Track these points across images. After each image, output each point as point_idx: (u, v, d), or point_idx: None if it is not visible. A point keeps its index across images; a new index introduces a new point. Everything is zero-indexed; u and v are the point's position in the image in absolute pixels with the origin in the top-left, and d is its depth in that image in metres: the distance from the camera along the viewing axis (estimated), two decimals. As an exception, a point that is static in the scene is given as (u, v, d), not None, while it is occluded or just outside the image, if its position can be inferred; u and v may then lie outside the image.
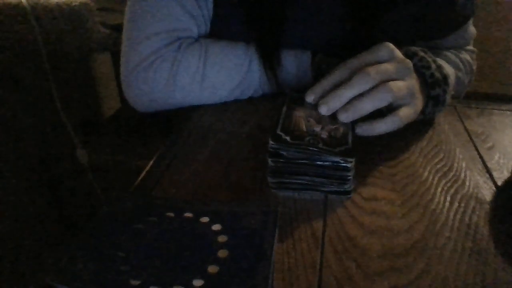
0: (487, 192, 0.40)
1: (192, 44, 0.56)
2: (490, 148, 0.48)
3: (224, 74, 0.56)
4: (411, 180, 0.42)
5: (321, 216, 0.36)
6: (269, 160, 0.38)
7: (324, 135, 0.39)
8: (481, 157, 0.46)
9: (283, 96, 0.48)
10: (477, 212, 0.37)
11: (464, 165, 0.44)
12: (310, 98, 0.45)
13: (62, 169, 0.98)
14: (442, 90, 0.49)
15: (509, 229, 0.36)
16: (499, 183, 0.42)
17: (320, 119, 0.42)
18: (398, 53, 0.46)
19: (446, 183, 0.41)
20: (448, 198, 0.39)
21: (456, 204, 0.38)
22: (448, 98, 0.51)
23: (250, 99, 0.59)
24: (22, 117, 0.89)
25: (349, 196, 0.39)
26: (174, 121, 0.56)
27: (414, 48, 0.51)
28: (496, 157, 0.46)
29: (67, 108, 0.97)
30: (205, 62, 0.55)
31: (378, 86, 0.42)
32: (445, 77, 0.50)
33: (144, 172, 0.42)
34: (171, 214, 0.33)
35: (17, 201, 0.90)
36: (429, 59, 0.50)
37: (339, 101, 0.43)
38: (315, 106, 0.44)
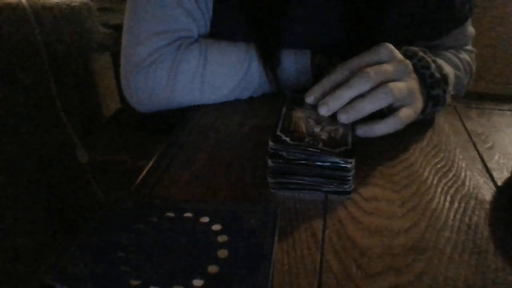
0: (487, 192, 0.40)
1: (192, 44, 0.56)
2: (490, 148, 0.48)
3: (224, 74, 0.56)
4: (411, 180, 0.42)
5: (321, 216, 0.36)
6: (269, 160, 0.38)
7: (324, 135, 0.39)
8: (481, 157, 0.46)
9: (283, 97, 0.48)
10: (477, 212, 0.37)
11: (464, 165, 0.44)
12: (309, 98, 0.45)
13: (62, 169, 0.98)
14: (442, 90, 0.49)
15: (509, 229, 0.36)
16: (499, 183, 0.42)
17: (319, 120, 0.42)
18: (397, 53, 0.46)
19: (446, 183, 0.41)
20: (448, 198, 0.39)
21: (456, 204, 0.38)
22: (448, 98, 0.51)
23: (250, 99, 0.59)
24: (22, 117, 0.89)
25: (349, 196, 0.39)
26: (174, 121, 0.56)
27: (413, 49, 0.51)
28: (496, 157, 0.46)
29: (67, 108, 0.97)
30: (205, 62, 0.55)
31: (378, 87, 0.42)
32: (444, 77, 0.50)
33: (144, 172, 0.42)
34: (171, 214, 0.33)
35: (17, 200, 0.90)
36: (429, 59, 0.50)
37: (339, 102, 0.43)
38: (314, 107, 0.44)
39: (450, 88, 0.51)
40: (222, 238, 0.31)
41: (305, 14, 0.58)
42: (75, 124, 0.99)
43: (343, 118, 0.42)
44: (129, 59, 0.56)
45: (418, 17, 0.60)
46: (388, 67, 0.44)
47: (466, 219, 0.36)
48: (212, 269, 0.28)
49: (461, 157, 0.46)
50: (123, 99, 0.62)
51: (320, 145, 0.38)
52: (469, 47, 0.71)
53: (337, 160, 0.37)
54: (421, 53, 0.50)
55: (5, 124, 0.87)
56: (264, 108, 0.56)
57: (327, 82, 0.45)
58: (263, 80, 0.58)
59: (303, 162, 0.38)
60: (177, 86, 0.55)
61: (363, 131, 0.43)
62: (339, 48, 0.58)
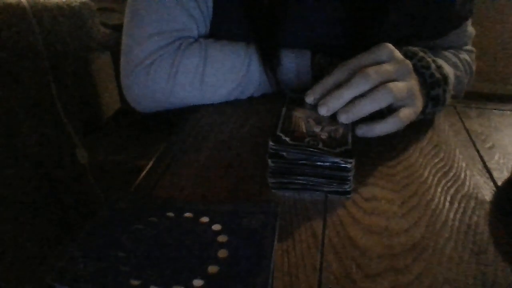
0: (487, 192, 0.40)
1: (192, 44, 0.56)
2: (490, 148, 0.48)
3: (224, 74, 0.56)
4: (411, 180, 0.42)
5: (321, 216, 0.36)
6: (269, 160, 0.38)
7: (324, 135, 0.39)
8: (481, 157, 0.46)
9: (283, 97, 0.48)
10: (477, 212, 0.37)
11: (464, 165, 0.44)
12: (309, 98, 0.45)
13: (62, 169, 0.98)
14: (442, 90, 0.49)
15: (509, 229, 0.36)
16: (499, 183, 0.42)
17: (319, 120, 0.42)
18: (397, 53, 0.46)
19: (446, 183, 0.41)
20: (448, 198, 0.39)
21: (456, 204, 0.38)
22: (448, 98, 0.51)
23: (250, 99, 0.59)
24: (22, 117, 0.89)
25: (349, 196, 0.39)
26: (174, 121, 0.56)
27: (413, 49, 0.51)
28: (496, 157, 0.46)
29: (67, 108, 0.97)
30: (205, 62, 0.55)
31: (378, 87, 0.42)
32: (445, 77, 0.50)
33: (144, 172, 0.42)
34: (171, 214, 0.33)
35: (17, 201, 0.90)
36: (429, 59, 0.50)
37: (339, 102, 0.43)
38: (314, 106, 0.44)
39: (450, 88, 0.51)
40: (222, 238, 0.31)
41: (305, 14, 0.58)
42: (75, 124, 0.99)
43: (343, 118, 0.42)
44: (129, 59, 0.56)
45: (418, 17, 0.60)
46: (388, 67, 0.44)
47: (466, 219, 0.36)
48: (212, 269, 0.28)
49: (461, 157, 0.46)
50: (123, 99, 0.62)
51: (320, 145, 0.38)
52: (469, 47, 0.71)
53: (337, 160, 0.37)
54: (421, 53, 0.50)
55: (5, 124, 0.87)
56: (264, 108, 0.56)
57: (327, 82, 0.45)
58: (263, 80, 0.58)
59: (303, 162, 0.38)
60: (177, 86, 0.55)
61: (363, 131, 0.43)
62: (339, 48, 0.58)
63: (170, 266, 0.28)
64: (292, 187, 0.39)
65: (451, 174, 0.43)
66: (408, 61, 0.46)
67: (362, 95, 0.43)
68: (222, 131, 0.51)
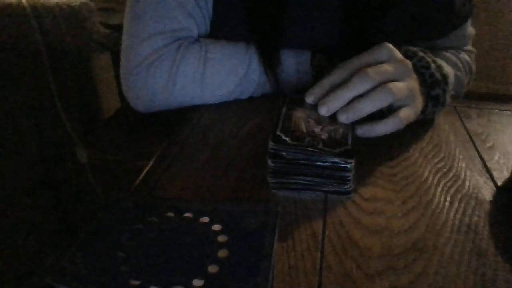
0: (487, 192, 0.40)
1: (192, 44, 0.56)
2: (490, 148, 0.48)
3: (224, 74, 0.56)
4: (411, 180, 0.42)
5: (321, 216, 0.36)
6: (269, 160, 0.38)
7: (324, 135, 0.39)
8: (481, 157, 0.46)
9: (283, 97, 0.48)
10: (477, 212, 0.37)
11: (464, 165, 0.44)
12: (309, 98, 0.45)
13: (62, 169, 0.98)
14: (442, 90, 0.49)
15: (509, 229, 0.36)
16: (499, 183, 0.42)
17: (320, 120, 0.42)
18: (397, 53, 0.46)
19: (446, 183, 0.41)
20: (448, 198, 0.39)
21: (456, 204, 0.38)
22: (448, 98, 0.51)
23: (250, 99, 0.59)
24: (22, 117, 0.89)
25: (349, 196, 0.39)
26: (174, 121, 0.56)
27: (413, 49, 0.51)
28: (496, 157, 0.46)
29: (67, 108, 0.97)
30: (205, 62, 0.55)
31: (378, 87, 0.42)
32: (444, 77, 0.50)
33: (144, 172, 0.42)
34: (171, 214, 0.33)
35: (17, 201, 0.90)
36: (429, 59, 0.50)
37: (339, 102, 0.43)
38: (314, 106, 0.44)
39: (450, 88, 0.51)
40: (222, 238, 0.31)
41: (305, 14, 0.58)
42: (75, 124, 0.99)
43: (343, 118, 0.42)
44: (129, 59, 0.56)
45: (418, 18, 0.60)
46: (388, 67, 0.44)
47: (466, 219, 0.36)
48: (212, 269, 0.28)
49: (461, 157, 0.46)
50: (123, 99, 0.62)
51: (320, 145, 0.38)
52: (469, 47, 0.71)
53: (337, 160, 0.37)
54: (421, 53, 0.50)
55: (5, 124, 0.87)
56: (264, 108, 0.56)
57: (327, 82, 0.45)
58: (263, 80, 0.58)
59: (303, 162, 0.38)
60: (177, 86, 0.55)
61: (363, 131, 0.43)
62: (339, 48, 0.58)
63: (170, 266, 0.28)
64: (292, 187, 0.39)
65: (451, 174, 0.43)
66: (408, 61, 0.46)
67: (362, 95, 0.43)
68: (222, 131, 0.51)
